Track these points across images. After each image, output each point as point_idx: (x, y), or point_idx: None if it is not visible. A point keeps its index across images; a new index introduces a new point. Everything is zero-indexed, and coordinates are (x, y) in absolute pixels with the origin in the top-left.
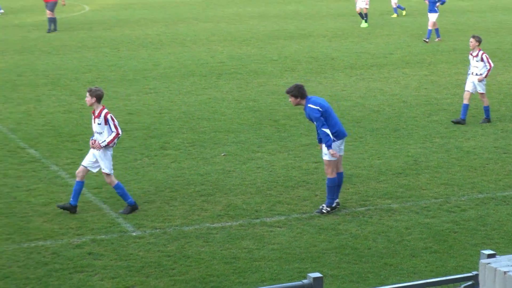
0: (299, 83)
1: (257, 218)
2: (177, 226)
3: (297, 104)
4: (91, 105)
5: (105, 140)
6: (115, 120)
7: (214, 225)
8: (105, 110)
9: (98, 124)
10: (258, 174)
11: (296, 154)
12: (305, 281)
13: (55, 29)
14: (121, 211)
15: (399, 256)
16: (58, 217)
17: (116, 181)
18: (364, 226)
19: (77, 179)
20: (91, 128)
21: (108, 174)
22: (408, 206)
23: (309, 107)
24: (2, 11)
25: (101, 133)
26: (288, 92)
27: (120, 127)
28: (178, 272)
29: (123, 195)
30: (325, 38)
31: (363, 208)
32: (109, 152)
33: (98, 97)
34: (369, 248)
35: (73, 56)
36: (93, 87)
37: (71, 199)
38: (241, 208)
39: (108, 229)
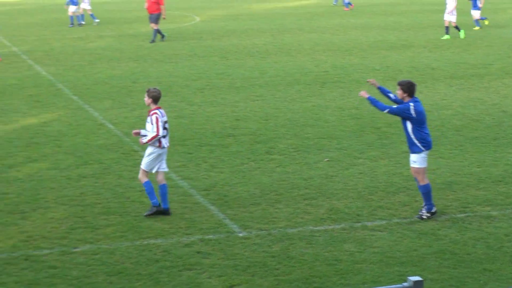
0: (413, 81)
1: (359, 222)
2: (281, 228)
3: (402, 98)
4: (148, 105)
5: (146, 136)
6: (159, 121)
7: (317, 228)
8: (154, 111)
9: (147, 122)
10: (360, 180)
11: (397, 160)
12: (405, 284)
13: (162, 38)
14: (146, 212)
15: (499, 262)
16: (168, 217)
17: (146, 180)
18: (464, 232)
19: (158, 183)
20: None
21: (143, 170)
22: (508, 213)
23: (409, 104)
24: (97, 20)
25: (149, 131)
26: (399, 84)
27: (162, 129)
28: (282, 272)
29: (149, 194)
30: (426, 49)
31: (462, 215)
32: (153, 152)
33: (155, 98)
34: (469, 254)
35: (184, 64)
36: (151, 88)
37: (161, 203)
38: (343, 212)
39: (215, 230)
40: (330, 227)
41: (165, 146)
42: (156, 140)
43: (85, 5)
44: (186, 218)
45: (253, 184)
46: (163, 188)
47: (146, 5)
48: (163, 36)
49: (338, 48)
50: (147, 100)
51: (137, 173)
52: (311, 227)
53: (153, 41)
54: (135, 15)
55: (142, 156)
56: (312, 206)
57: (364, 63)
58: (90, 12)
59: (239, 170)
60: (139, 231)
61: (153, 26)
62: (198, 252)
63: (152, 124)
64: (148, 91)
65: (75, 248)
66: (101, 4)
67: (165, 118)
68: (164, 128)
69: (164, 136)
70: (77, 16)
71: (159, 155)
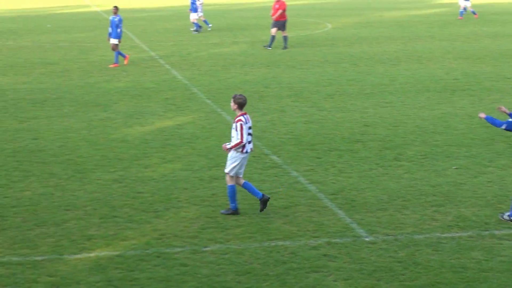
0: None
1: (486, 230)
2: (408, 233)
3: None
4: (234, 110)
5: (230, 143)
6: (244, 128)
7: (444, 234)
8: (239, 117)
9: (233, 128)
10: (489, 188)
11: None
12: None
13: (269, 45)
14: (222, 211)
15: None
16: (297, 219)
17: (232, 183)
18: None
19: (240, 185)
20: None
21: (227, 174)
22: None
23: None
24: (210, 25)
25: (234, 137)
26: None
27: (246, 136)
28: (408, 278)
29: (231, 198)
30: None
31: None
32: (236, 156)
33: (240, 105)
34: None
35: (315, 70)
36: (237, 95)
37: (255, 196)
38: (471, 220)
39: (342, 233)
40: (457, 234)
41: (248, 151)
42: (240, 146)
43: (198, 13)
44: (313, 221)
45: (381, 189)
46: (246, 184)
47: (271, 12)
48: (270, 45)
49: (469, 56)
50: (233, 106)
51: (268, 176)
52: (438, 234)
53: (285, 47)
54: (269, 22)
55: (272, 160)
56: (440, 213)
57: (495, 71)
58: (193, 21)
59: (367, 176)
60: (267, 232)
61: (283, 33)
62: (324, 255)
63: (236, 130)
64: (234, 97)
65: (205, 247)
66: (236, 11)
67: (249, 124)
68: (249, 134)
69: (249, 142)
70: (196, 23)
71: (242, 159)
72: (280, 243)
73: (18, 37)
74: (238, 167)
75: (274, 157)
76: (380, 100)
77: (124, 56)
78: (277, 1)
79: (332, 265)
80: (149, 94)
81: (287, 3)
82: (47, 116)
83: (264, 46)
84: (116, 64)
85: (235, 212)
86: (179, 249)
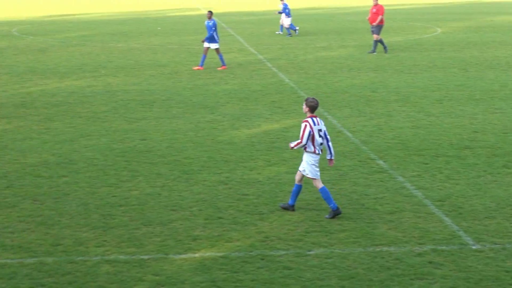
0: None
1: None
2: None
3: None
4: (305, 113)
5: (293, 142)
6: (306, 129)
7: None
8: (307, 119)
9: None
10: None
11: None
12: None
13: (385, 49)
14: (326, 216)
15: None
16: (402, 225)
17: (321, 186)
18: None
19: (296, 182)
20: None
21: (312, 179)
22: None
23: None
24: (297, 28)
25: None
26: None
27: (307, 137)
28: None
29: (327, 199)
30: None
31: None
32: (310, 159)
33: (311, 108)
34: None
35: (423, 75)
36: (309, 98)
37: (290, 199)
38: None
39: (449, 241)
40: None
41: (319, 153)
42: (310, 147)
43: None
44: (419, 228)
45: (489, 197)
46: (298, 187)
47: (368, 16)
48: (384, 48)
49: None
50: (304, 108)
51: (373, 181)
52: None
53: (373, 51)
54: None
55: (378, 165)
56: None
57: None
58: (289, 25)
59: (475, 183)
60: (372, 237)
61: (376, 37)
62: (430, 262)
63: (301, 130)
64: (306, 100)
65: (309, 251)
66: (343, 15)
67: (319, 127)
68: (320, 136)
69: (321, 144)
70: (281, 26)
71: (317, 160)
72: (385, 248)
73: (129, 39)
74: (314, 167)
75: (380, 162)
76: (490, 106)
77: (201, 64)
78: (375, 5)
79: (438, 272)
80: (256, 97)
81: (396, 7)
82: (155, 117)
83: (368, 52)
84: (224, 67)
85: (337, 211)
86: (283, 252)
